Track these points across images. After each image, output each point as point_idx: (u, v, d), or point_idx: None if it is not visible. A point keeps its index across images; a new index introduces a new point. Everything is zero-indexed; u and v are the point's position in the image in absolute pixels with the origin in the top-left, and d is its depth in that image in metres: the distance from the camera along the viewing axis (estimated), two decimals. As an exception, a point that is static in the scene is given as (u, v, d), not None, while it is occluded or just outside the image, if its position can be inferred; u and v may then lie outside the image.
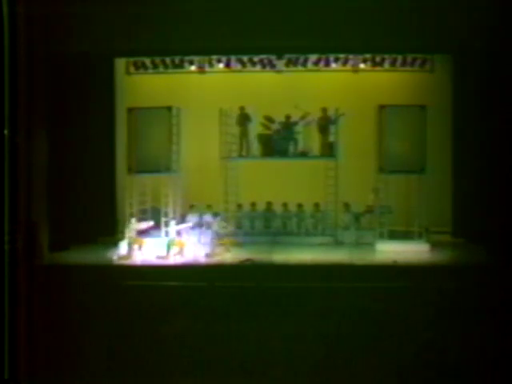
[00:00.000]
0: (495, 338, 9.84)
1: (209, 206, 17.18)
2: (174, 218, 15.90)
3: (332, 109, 16.61)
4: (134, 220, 15.32)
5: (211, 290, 12.29)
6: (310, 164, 17.26)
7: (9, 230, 6.05)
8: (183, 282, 12.59)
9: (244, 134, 17.17)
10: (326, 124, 16.79)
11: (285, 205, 17.25)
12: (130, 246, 14.70)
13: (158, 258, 14.57)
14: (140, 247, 14.79)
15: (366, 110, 16.77)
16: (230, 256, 14.86)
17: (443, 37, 14.69)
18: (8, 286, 6.09)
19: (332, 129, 16.76)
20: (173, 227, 15.36)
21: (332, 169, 16.74)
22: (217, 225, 15.44)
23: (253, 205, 17.37)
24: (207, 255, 14.74)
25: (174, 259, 14.45)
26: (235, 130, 17.17)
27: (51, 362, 8.42)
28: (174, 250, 14.61)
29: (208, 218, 15.81)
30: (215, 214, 15.96)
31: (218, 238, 15.32)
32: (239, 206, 17.44)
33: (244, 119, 17.09)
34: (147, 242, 15.08)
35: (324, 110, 16.72)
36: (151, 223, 15.52)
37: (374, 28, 14.30)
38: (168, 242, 14.81)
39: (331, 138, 16.81)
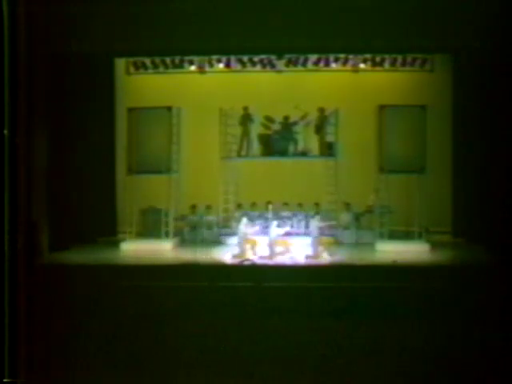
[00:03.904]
0: (495, 337, 9.84)
1: (208, 206, 17.22)
2: (275, 219, 15.54)
3: (330, 109, 16.66)
4: (245, 220, 14.97)
5: (210, 290, 12.29)
6: (309, 164, 17.28)
7: (9, 230, 6.05)
8: (182, 282, 12.58)
9: (245, 134, 17.18)
10: (322, 124, 16.81)
11: (285, 205, 17.25)
12: (241, 246, 14.49)
13: (308, 257, 14.34)
14: (252, 247, 14.55)
15: (366, 110, 16.79)
16: (329, 257, 14.38)
17: (443, 37, 14.69)
18: (8, 286, 6.09)
19: (329, 129, 16.79)
20: (274, 229, 14.79)
21: (332, 169, 16.76)
22: (315, 224, 14.76)
23: (253, 205, 17.37)
24: (308, 256, 14.40)
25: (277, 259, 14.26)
26: (235, 129, 17.18)
27: (51, 363, 8.42)
28: (279, 249, 14.46)
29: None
30: (314, 213, 15.75)
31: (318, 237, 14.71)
32: (239, 205, 17.46)
33: (247, 119, 17.09)
34: (259, 242, 14.76)
35: (321, 109, 16.74)
36: (286, 228, 15.25)
37: (374, 28, 14.30)
38: (270, 242, 14.56)
39: (329, 138, 16.84)
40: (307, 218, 16.23)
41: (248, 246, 14.55)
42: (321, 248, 14.45)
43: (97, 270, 13.51)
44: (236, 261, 14.20)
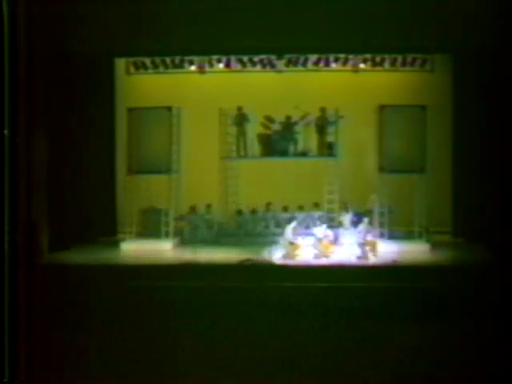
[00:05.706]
0: (495, 338, 9.84)
1: (208, 206, 17.21)
2: (322, 222, 15.58)
3: (331, 109, 16.66)
4: (294, 223, 14.95)
5: (211, 290, 12.29)
6: (309, 164, 17.27)
7: (9, 230, 6.05)
8: (182, 282, 12.59)
9: (241, 134, 17.16)
10: (324, 124, 16.81)
11: (285, 205, 17.24)
12: (287, 248, 14.43)
13: (359, 258, 14.35)
14: (298, 250, 14.45)
15: (366, 110, 16.77)
16: (374, 258, 14.40)
17: (443, 37, 14.69)
18: (8, 286, 6.09)
19: (330, 129, 16.78)
20: (321, 229, 14.89)
21: (332, 168, 16.76)
22: (365, 225, 14.85)
23: (253, 205, 17.35)
24: (358, 257, 14.43)
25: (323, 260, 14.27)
26: (235, 129, 17.18)
27: (51, 363, 8.42)
28: (327, 251, 14.45)
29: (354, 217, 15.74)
30: (363, 214, 15.70)
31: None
32: (239, 205, 17.45)
33: (241, 119, 17.08)
34: (304, 245, 14.66)
35: (322, 109, 16.74)
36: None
37: (374, 28, 14.31)
38: (315, 243, 14.60)
39: (330, 138, 16.83)
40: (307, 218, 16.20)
41: (293, 249, 14.43)
42: (367, 249, 14.48)
43: (97, 269, 13.52)
44: (239, 260, 14.18)
